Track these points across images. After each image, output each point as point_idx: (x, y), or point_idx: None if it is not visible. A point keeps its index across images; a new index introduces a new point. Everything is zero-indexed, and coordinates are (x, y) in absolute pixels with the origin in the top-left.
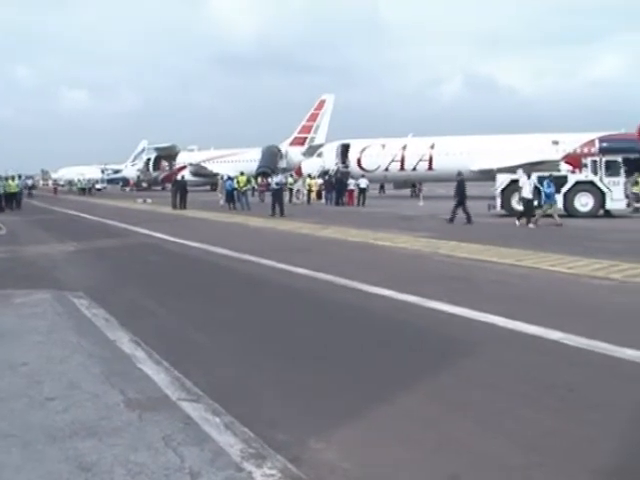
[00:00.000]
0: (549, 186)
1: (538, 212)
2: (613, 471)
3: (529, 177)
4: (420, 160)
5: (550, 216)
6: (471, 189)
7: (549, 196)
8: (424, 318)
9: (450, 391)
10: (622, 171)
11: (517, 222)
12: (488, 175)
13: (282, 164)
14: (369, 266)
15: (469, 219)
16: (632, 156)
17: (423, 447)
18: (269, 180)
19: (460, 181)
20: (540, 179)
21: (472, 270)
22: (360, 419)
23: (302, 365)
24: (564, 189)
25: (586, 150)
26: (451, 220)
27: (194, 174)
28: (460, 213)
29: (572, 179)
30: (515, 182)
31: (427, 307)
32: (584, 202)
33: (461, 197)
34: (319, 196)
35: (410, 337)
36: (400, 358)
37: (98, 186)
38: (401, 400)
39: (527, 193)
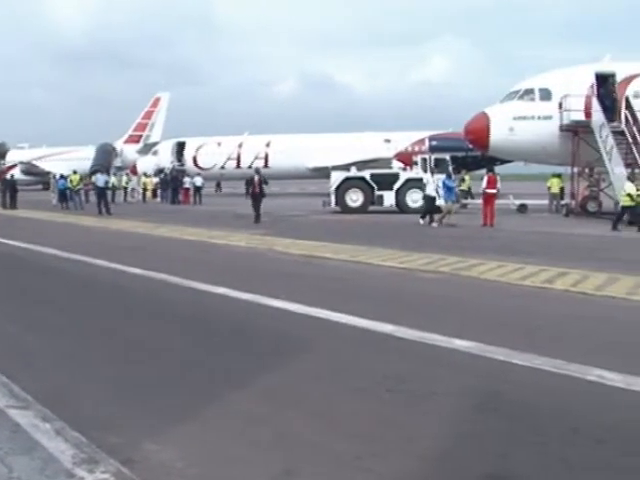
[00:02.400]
0: (449, 184)
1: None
2: (441, 456)
3: (433, 175)
4: (256, 158)
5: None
6: (308, 186)
7: (452, 193)
8: (259, 315)
9: (285, 387)
10: (450, 169)
11: (421, 221)
12: (323, 172)
13: (117, 162)
14: (204, 264)
15: (258, 218)
16: (459, 154)
17: (258, 444)
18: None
19: (259, 178)
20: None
21: (307, 267)
22: (195, 418)
23: (135, 366)
24: (396, 186)
25: (417, 148)
26: (257, 219)
27: (25, 173)
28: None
29: (404, 176)
30: (349, 179)
31: (262, 304)
32: (415, 198)
33: (260, 194)
34: (155, 195)
35: (246, 334)
36: (234, 355)
37: None
38: (236, 398)
39: (431, 191)
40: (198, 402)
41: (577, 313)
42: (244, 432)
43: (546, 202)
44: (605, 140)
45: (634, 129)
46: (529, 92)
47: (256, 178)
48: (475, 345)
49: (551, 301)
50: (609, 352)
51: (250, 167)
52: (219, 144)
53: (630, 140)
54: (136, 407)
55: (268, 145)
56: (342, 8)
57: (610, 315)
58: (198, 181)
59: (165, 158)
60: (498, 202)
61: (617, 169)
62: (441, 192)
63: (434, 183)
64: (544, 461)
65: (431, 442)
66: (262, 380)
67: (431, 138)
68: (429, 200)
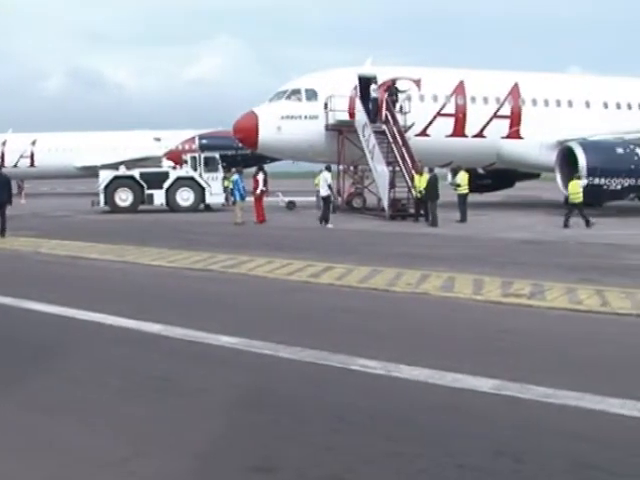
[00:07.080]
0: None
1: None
2: (208, 453)
3: (330, 171)
4: (21, 157)
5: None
6: (76, 185)
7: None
8: (19, 319)
9: (47, 393)
10: (220, 167)
11: (330, 225)
12: (92, 171)
13: None
14: None
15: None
16: (229, 152)
17: (21, 454)
18: None
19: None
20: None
21: (73, 268)
22: None
23: None
24: (166, 185)
25: (187, 147)
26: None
27: None
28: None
29: (173, 175)
30: (118, 178)
31: (23, 308)
32: (185, 197)
33: (9, 195)
34: None
35: (3, 340)
36: None
37: None
38: None
39: (325, 191)
40: None
41: (342, 305)
42: (5, 444)
43: (314, 199)
44: (368, 139)
45: (394, 129)
46: (296, 92)
47: None
48: (241, 341)
49: (318, 294)
50: (372, 342)
51: (15, 166)
52: None
53: (390, 140)
54: None
55: (34, 143)
56: (113, 3)
57: (373, 306)
58: None
59: None
60: (267, 199)
61: (379, 167)
62: (236, 192)
63: (326, 182)
64: (310, 451)
65: (198, 439)
66: (23, 387)
67: (201, 137)
68: (327, 201)
